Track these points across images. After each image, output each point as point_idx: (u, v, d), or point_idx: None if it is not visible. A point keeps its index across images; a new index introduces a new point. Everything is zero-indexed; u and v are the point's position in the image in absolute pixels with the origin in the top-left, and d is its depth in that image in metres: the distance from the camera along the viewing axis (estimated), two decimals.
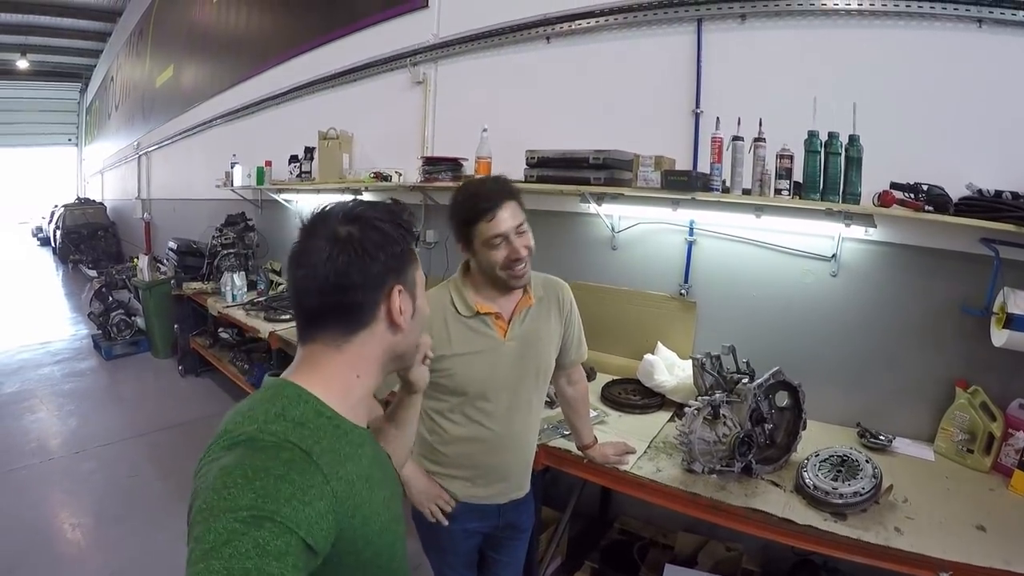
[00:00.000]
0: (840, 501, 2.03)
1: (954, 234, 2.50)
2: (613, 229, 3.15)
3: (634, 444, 2.33)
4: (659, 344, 3.00)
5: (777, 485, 2.21)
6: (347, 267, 0.98)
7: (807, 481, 2.13)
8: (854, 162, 2.38)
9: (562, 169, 2.79)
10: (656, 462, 2.32)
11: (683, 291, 3.04)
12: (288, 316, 4.15)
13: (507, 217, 1.75)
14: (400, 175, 3.73)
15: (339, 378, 1.02)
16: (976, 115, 2.49)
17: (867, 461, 2.19)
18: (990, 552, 1.86)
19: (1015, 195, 2.23)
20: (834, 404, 2.74)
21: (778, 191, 2.48)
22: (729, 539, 2.82)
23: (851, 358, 2.77)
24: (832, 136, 2.38)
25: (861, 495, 2.04)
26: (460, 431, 1.92)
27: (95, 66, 18.00)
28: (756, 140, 2.52)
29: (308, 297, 1.01)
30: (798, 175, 2.46)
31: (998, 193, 2.25)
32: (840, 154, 2.38)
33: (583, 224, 3.23)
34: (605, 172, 2.72)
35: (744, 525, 2.07)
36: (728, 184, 2.60)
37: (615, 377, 3.04)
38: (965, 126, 2.51)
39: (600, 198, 2.95)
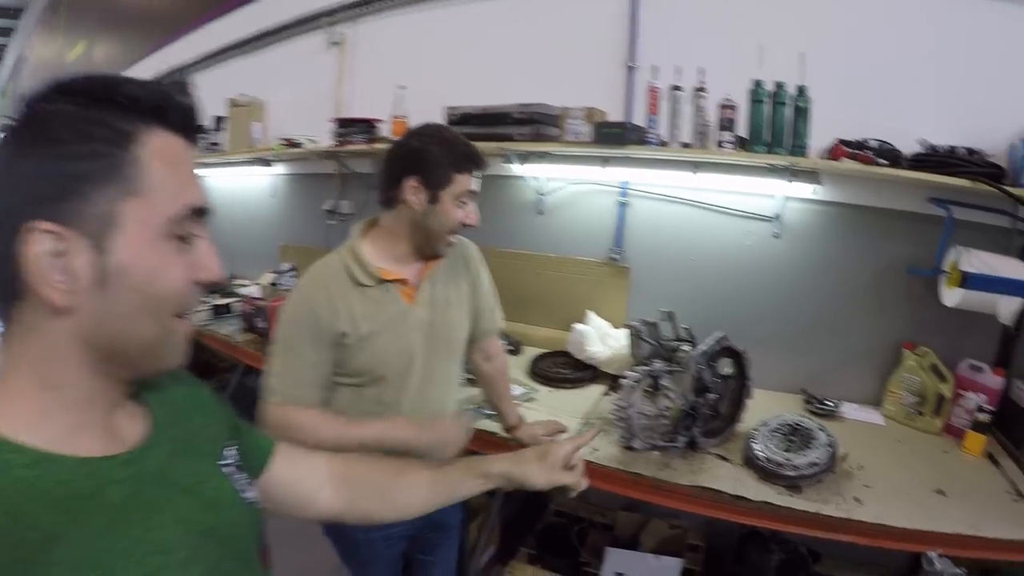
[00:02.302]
0: (795, 473, 1.80)
1: (903, 193, 2.38)
2: (539, 192, 2.84)
3: (566, 422, 2.00)
4: (590, 313, 2.71)
5: (725, 459, 1.97)
6: None
7: (758, 453, 1.90)
8: (802, 113, 2.20)
9: (484, 126, 2.46)
10: (592, 441, 2.03)
11: (615, 256, 2.74)
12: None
13: (480, 181, 1.57)
14: (314, 142, 3.34)
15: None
16: (928, 72, 2.33)
17: (821, 429, 2.01)
18: (954, 517, 1.73)
19: (970, 151, 2.11)
20: (778, 370, 2.54)
21: (720, 144, 2.24)
22: (671, 515, 2.57)
23: (795, 322, 2.59)
24: (779, 86, 2.18)
25: (818, 466, 1.82)
26: (365, 418, 1.57)
27: (5, 46, 16.69)
28: (697, 90, 2.28)
29: None
30: (742, 130, 2.25)
31: (952, 149, 2.13)
32: (787, 104, 2.18)
33: (507, 188, 2.90)
34: (530, 127, 2.41)
35: (693, 505, 1.82)
36: (665, 139, 2.34)
37: (544, 350, 2.73)
38: (917, 83, 2.34)
39: (525, 158, 2.63)
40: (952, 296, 2.22)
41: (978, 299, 2.16)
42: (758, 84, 2.22)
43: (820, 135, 2.27)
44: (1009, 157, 2.19)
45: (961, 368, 2.40)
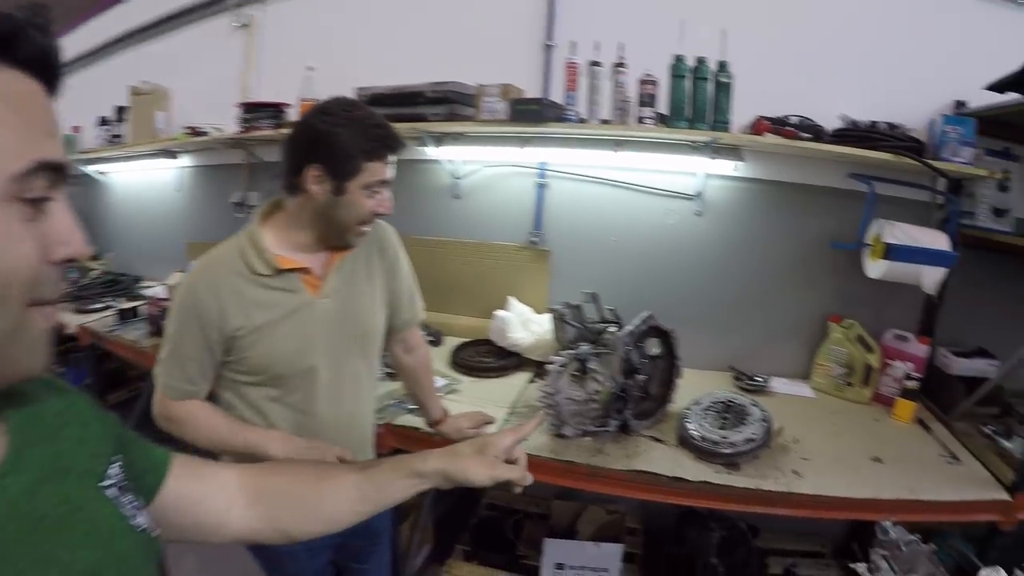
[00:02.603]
0: (731, 451, 1.78)
1: (824, 169, 2.40)
2: (455, 175, 2.70)
3: (492, 412, 1.88)
4: (511, 299, 2.60)
5: (659, 440, 1.90)
6: None
7: (693, 433, 1.85)
8: (724, 89, 2.15)
9: (396, 107, 2.30)
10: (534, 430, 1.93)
11: (534, 239, 2.64)
12: (101, 305, 3.42)
13: (395, 166, 1.39)
14: (220, 130, 3.11)
15: None
16: (849, 48, 2.35)
17: (754, 405, 1.98)
18: (893, 482, 1.76)
19: (891, 126, 2.16)
20: (705, 348, 2.51)
21: (641, 120, 2.16)
22: (607, 501, 2.49)
23: (721, 300, 2.56)
24: (701, 61, 2.12)
25: (754, 441, 1.80)
26: (278, 422, 1.42)
27: None
28: (616, 66, 2.20)
29: None
30: (663, 107, 2.19)
31: (873, 124, 2.17)
32: (709, 79, 2.13)
33: (421, 172, 2.74)
34: (445, 107, 2.28)
35: (630, 490, 1.75)
36: (584, 116, 2.25)
37: (465, 340, 2.61)
38: (838, 60, 2.36)
39: (440, 140, 2.49)
40: (876, 268, 2.23)
41: (902, 270, 2.18)
42: (679, 59, 2.16)
43: (742, 112, 2.23)
44: (929, 132, 2.22)
45: (887, 338, 2.45)
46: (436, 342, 2.55)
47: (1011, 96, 2.12)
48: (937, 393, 2.35)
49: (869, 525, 2.52)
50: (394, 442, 1.90)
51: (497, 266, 2.67)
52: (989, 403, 2.24)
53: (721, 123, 2.15)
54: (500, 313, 2.49)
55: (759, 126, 2.15)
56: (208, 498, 0.83)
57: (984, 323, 2.56)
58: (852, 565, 1.11)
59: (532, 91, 2.43)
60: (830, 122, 2.24)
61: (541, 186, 2.60)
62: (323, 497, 0.91)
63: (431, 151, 2.54)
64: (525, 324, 2.47)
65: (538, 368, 2.35)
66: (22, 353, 0.53)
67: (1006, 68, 2.08)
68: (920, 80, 2.36)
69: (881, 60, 2.34)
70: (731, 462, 1.77)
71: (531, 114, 2.13)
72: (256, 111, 2.80)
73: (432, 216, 2.77)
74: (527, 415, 2.00)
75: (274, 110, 2.78)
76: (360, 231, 1.38)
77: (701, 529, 2.27)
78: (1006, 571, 1.00)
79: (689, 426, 1.87)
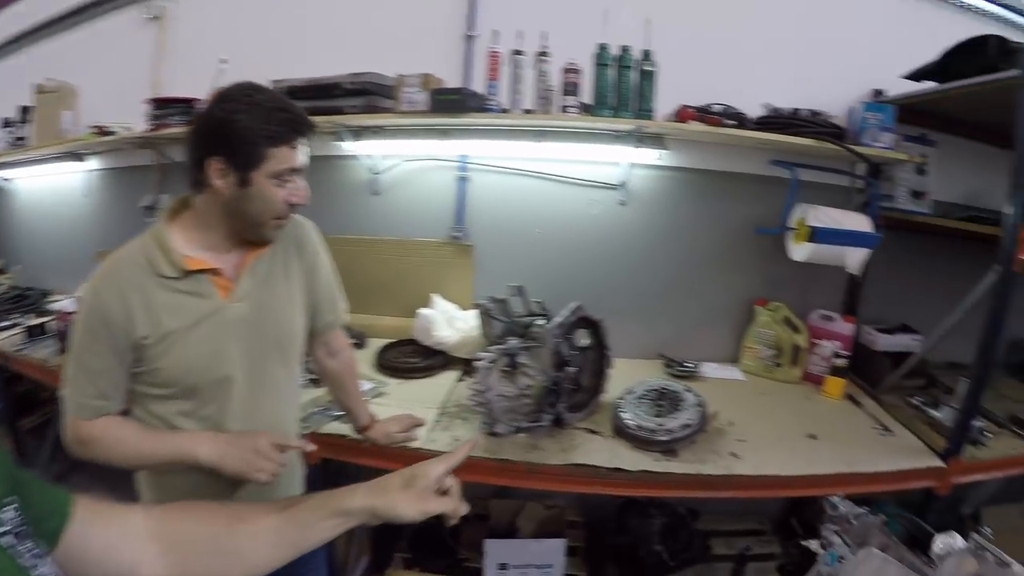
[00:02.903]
0: (668, 438, 1.77)
1: (746, 156, 2.43)
2: (373, 171, 2.55)
3: (422, 414, 1.78)
4: (435, 297, 2.51)
5: (594, 432, 1.87)
6: None
7: (628, 422, 1.82)
8: (648, 77, 2.13)
9: (313, 99, 2.18)
10: (451, 431, 1.84)
11: (457, 234, 2.55)
12: (8, 323, 3.13)
13: (307, 151, 1.26)
14: (129, 128, 2.91)
15: None
16: (770, 38, 2.39)
17: (687, 390, 1.98)
18: (831, 458, 1.79)
19: (813, 113, 2.20)
20: (635, 337, 2.49)
21: (565, 109, 2.11)
22: (545, 496, 2.47)
23: (648, 288, 2.55)
24: (625, 50, 2.09)
25: (691, 427, 1.80)
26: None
27: None
28: (539, 55, 2.14)
29: None
30: (587, 96, 2.15)
31: (795, 111, 2.21)
32: (633, 68, 2.10)
33: (339, 168, 2.61)
34: (362, 99, 2.17)
35: (568, 484, 1.71)
36: (507, 106, 2.19)
37: (390, 340, 2.47)
38: (759, 49, 2.38)
39: (359, 134, 2.38)
40: (801, 251, 2.26)
41: (826, 252, 2.22)
42: (603, 48, 2.12)
43: (665, 101, 2.20)
44: (849, 119, 2.27)
45: (813, 319, 2.50)
46: (360, 344, 2.43)
47: (928, 85, 2.21)
48: (864, 369, 2.41)
49: (807, 501, 2.59)
50: (322, 452, 1.80)
51: (419, 263, 2.57)
52: (915, 376, 2.31)
53: (645, 111, 2.12)
54: (424, 311, 2.40)
55: (683, 114, 2.14)
56: (115, 546, 0.74)
57: (905, 300, 2.63)
58: (804, 543, 1.09)
59: (453, 82, 2.35)
60: (753, 110, 2.25)
61: (463, 179, 2.52)
62: (239, 544, 0.82)
63: (349, 146, 2.42)
64: (450, 322, 2.39)
65: (466, 366, 2.26)
66: None
67: (922, 59, 2.18)
68: (839, 70, 2.41)
69: (802, 50, 2.39)
70: (669, 449, 1.75)
71: (452, 104, 2.05)
72: (166, 107, 2.61)
73: (351, 214, 2.64)
74: (457, 415, 1.93)
75: (185, 106, 2.59)
76: (275, 225, 1.27)
77: (642, 517, 2.25)
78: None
79: (624, 416, 1.84)
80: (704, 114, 2.14)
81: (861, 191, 2.50)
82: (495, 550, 2.07)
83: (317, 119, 2.08)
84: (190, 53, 3.01)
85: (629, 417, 1.83)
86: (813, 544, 1.07)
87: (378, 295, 2.58)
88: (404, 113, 2.12)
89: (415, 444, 1.72)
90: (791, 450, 1.83)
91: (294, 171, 1.23)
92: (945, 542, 0.94)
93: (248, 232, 1.27)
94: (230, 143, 1.16)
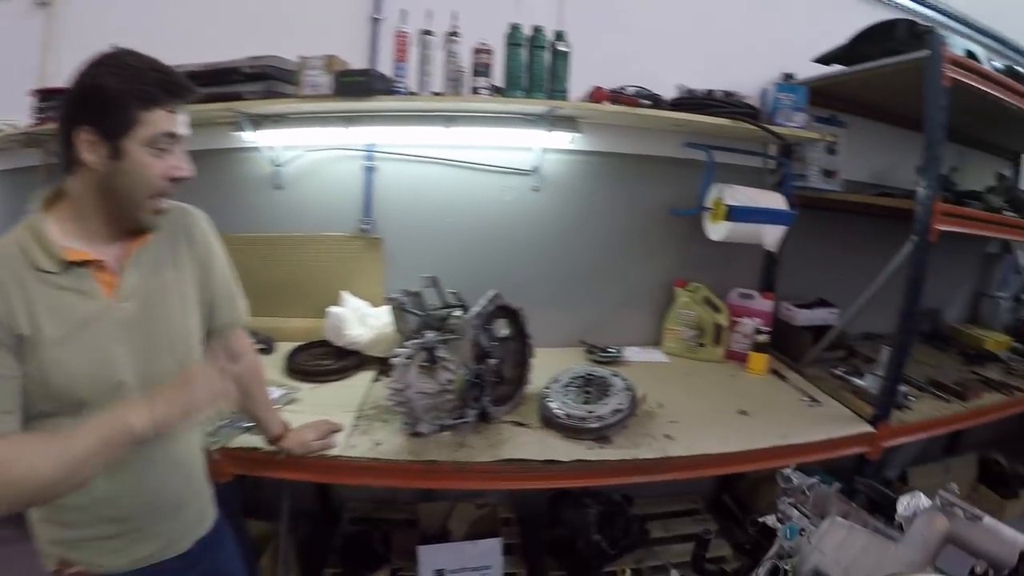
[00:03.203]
0: (599, 424, 1.70)
1: (660, 139, 2.41)
2: (275, 163, 2.33)
3: (338, 419, 1.65)
4: (345, 294, 2.33)
5: (522, 424, 1.78)
6: None
7: (556, 411, 1.74)
8: (561, 57, 2.03)
9: (210, 85, 1.96)
10: (371, 434, 1.68)
11: (365, 227, 2.38)
12: None
13: (186, 119, 1.09)
14: (13, 125, 2.60)
15: None
16: (682, 21, 2.40)
17: (615, 375, 1.91)
18: (764, 431, 1.79)
19: (727, 94, 2.18)
20: (554, 325, 2.42)
21: (476, 90, 2.01)
22: (475, 495, 2.36)
23: (566, 275, 2.50)
24: (537, 30, 2.01)
25: (622, 411, 1.74)
26: None
27: None
28: (449, 35, 2.02)
29: None
30: (499, 79, 2.04)
31: (709, 92, 2.17)
32: (546, 48, 2.01)
33: (238, 161, 2.38)
34: (262, 84, 2.00)
35: (500, 481, 1.63)
36: (415, 89, 2.07)
37: (299, 343, 2.29)
38: (670, 32, 2.39)
39: (259, 123, 2.19)
40: (718, 230, 2.25)
41: (743, 230, 2.22)
42: (515, 28, 2.02)
43: (578, 84, 2.11)
44: (761, 100, 2.26)
45: (732, 297, 2.52)
46: (267, 349, 2.23)
47: (836, 68, 2.28)
48: (785, 344, 2.44)
49: (737, 478, 2.61)
50: (234, 467, 1.61)
51: (327, 260, 2.39)
52: (834, 348, 2.36)
53: (559, 92, 2.04)
54: (334, 310, 2.23)
55: (597, 95, 2.08)
56: None
57: (819, 276, 2.70)
58: (760, 519, 1.03)
59: (359, 66, 2.20)
60: (666, 93, 2.21)
61: (369, 169, 2.36)
62: None
63: (249, 136, 2.22)
64: (362, 319, 2.23)
65: (381, 365, 2.12)
66: None
67: (827, 46, 2.25)
68: (750, 54, 2.44)
69: (713, 35, 2.42)
70: (601, 436, 1.69)
71: (358, 87, 1.90)
72: (52, 98, 2.31)
73: (252, 210, 2.41)
74: (376, 416, 1.78)
75: None
76: (156, 206, 1.09)
77: (577, 508, 2.19)
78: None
79: (551, 405, 1.77)
80: (619, 95, 2.09)
81: (773, 171, 2.54)
82: (429, 556, 1.96)
83: (215, 106, 1.95)
84: (82, 40, 2.69)
85: (557, 406, 1.76)
86: (770, 520, 1.01)
87: (284, 296, 2.37)
88: (306, 98, 1.95)
89: (334, 452, 1.58)
90: (724, 427, 1.81)
91: (172, 139, 1.06)
92: (910, 503, 0.91)
93: (126, 216, 1.09)
94: (99, 108, 1.00)
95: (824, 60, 2.35)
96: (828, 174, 2.53)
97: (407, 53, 2.03)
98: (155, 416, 1.01)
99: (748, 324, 2.37)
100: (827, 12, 2.50)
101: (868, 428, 1.88)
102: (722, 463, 1.71)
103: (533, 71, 2.01)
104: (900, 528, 0.91)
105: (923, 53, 1.79)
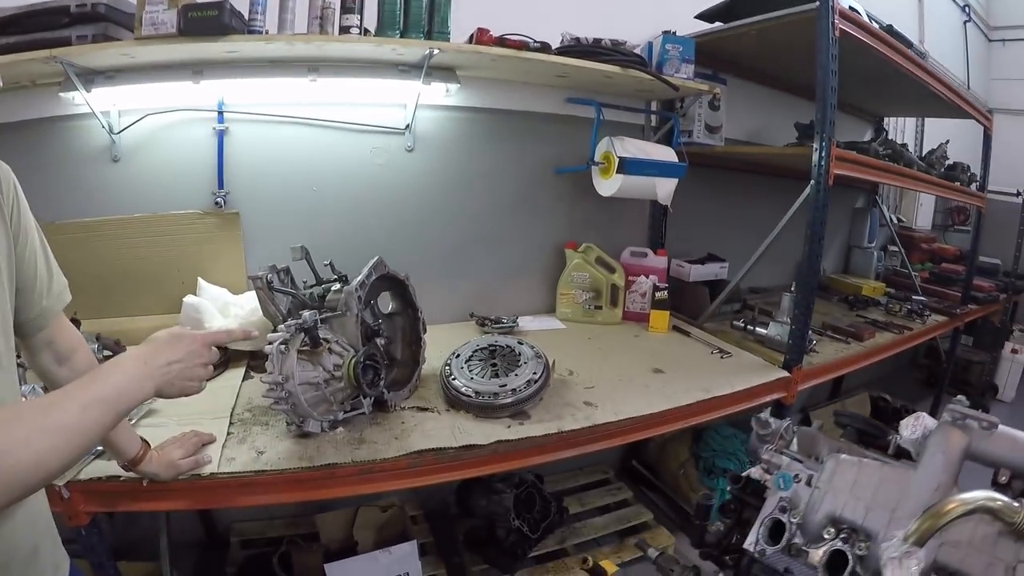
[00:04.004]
0: (514, 399, 1.50)
1: (541, 95, 2.29)
2: (111, 129, 1.86)
3: (209, 429, 1.36)
4: (201, 281, 1.95)
5: (425, 409, 1.55)
6: None
7: (464, 389, 1.53)
8: None
9: (29, 32, 1.57)
10: (251, 441, 1.37)
11: (219, 201, 1.99)
12: None
13: None
14: None
15: None
16: None
17: (520, 343, 1.74)
18: (685, 387, 1.72)
19: (614, 42, 2.06)
20: (440, 299, 2.22)
21: (345, 29, 1.71)
22: (373, 496, 2.08)
23: (449, 245, 2.28)
24: None
25: (536, 381, 1.55)
26: None
27: None
28: None
29: None
30: (372, 22, 1.77)
31: (597, 40, 2.04)
32: None
33: (65, 132, 1.87)
34: (95, 27, 1.59)
35: (414, 478, 1.36)
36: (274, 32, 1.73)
37: None
38: None
39: (90, 80, 1.74)
40: (609, 185, 2.14)
41: (637, 184, 2.13)
42: None
43: (457, 32, 1.88)
44: (647, 53, 2.17)
45: (625, 257, 2.45)
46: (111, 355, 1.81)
47: (716, 25, 2.27)
48: (679, 301, 2.40)
49: (643, 442, 2.52)
50: (89, 505, 1.23)
51: (176, 242, 1.97)
52: (729, 302, 2.35)
53: (441, 34, 1.80)
54: (190, 299, 1.86)
55: (481, 38, 1.85)
56: None
57: (705, 231, 2.66)
58: (745, 473, 0.89)
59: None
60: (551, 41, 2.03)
61: (221, 133, 1.98)
62: None
63: (78, 97, 1.74)
64: (224, 309, 1.87)
65: (251, 359, 1.82)
66: None
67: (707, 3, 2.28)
68: (631, 11, 2.38)
69: None
70: (518, 411, 1.51)
71: (208, 24, 1.54)
72: None
73: (82, 191, 1.92)
74: (255, 420, 1.47)
75: None
76: None
77: (490, 494, 2.00)
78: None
79: (457, 383, 1.56)
80: (506, 39, 1.87)
81: (656, 128, 2.47)
82: (339, 573, 1.67)
83: (37, 54, 1.52)
84: None
85: (463, 384, 1.55)
86: (755, 472, 0.87)
87: (129, 291, 1.92)
88: (147, 38, 1.56)
89: (208, 469, 1.25)
90: (644, 388, 1.71)
91: None
92: (915, 424, 0.79)
93: None
94: None
95: (706, 17, 2.32)
96: (712, 129, 2.49)
97: None
98: (153, 371, 0.84)
99: (645, 282, 2.29)
100: None
101: (784, 373, 1.89)
102: (651, 424, 1.60)
103: (410, 8, 1.76)
104: (901, 456, 0.81)
105: (813, 4, 1.81)
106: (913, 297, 2.92)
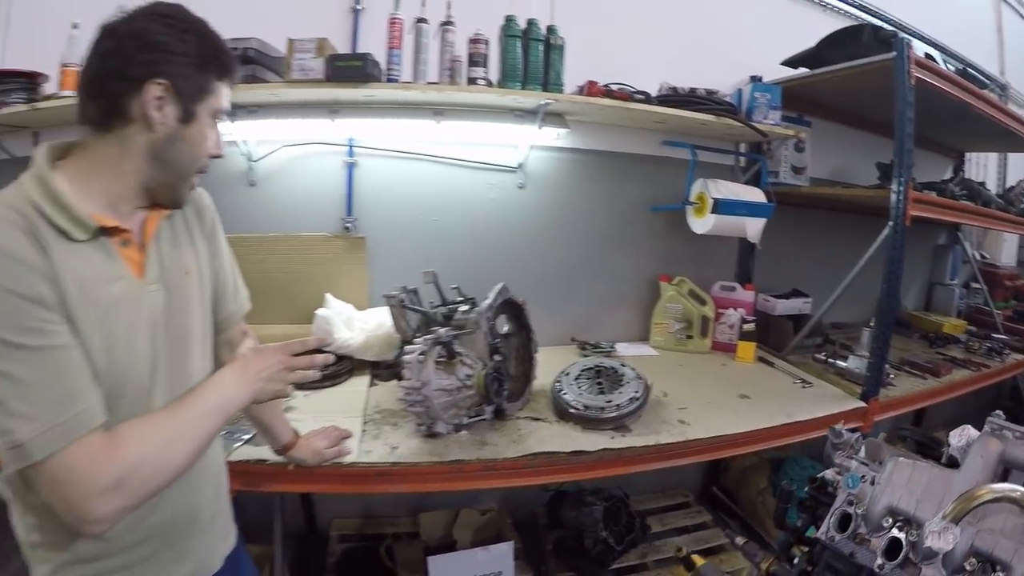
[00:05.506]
0: (617, 413, 1.63)
1: (639, 137, 2.40)
2: (250, 158, 2.09)
3: (345, 425, 1.46)
4: (329, 297, 2.12)
5: (538, 419, 1.68)
6: None
7: (573, 403, 1.66)
8: (557, 51, 2.00)
9: None
10: (384, 438, 1.52)
11: (348, 226, 2.18)
12: None
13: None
14: None
15: None
16: (665, 23, 2.42)
17: (624, 365, 1.86)
18: (769, 412, 1.80)
19: (708, 92, 2.17)
20: (545, 323, 2.22)
21: (472, 80, 1.89)
22: (472, 501, 2.24)
23: (553, 273, 2.42)
24: (531, 23, 1.95)
25: (638, 399, 1.68)
26: None
27: None
28: (444, 24, 1.90)
29: None
30: (494, 71, 1.96)
31: (692, 90, 2.16)
32: (541, 41, 1.96)
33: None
34: (245, 68, 1.77)
35: (528, 476, 1.50)
36: (409, 79, 1.92)
37: None
38: (655, 33, 2.41)
39: (233, 112, 1.93)
40: (703, 224, 2.24)
41: (728, 223, 2.22)
42: (510, 20, 1.94)
43: (567, 80, 2.05)
44: (736, 99, 2.26)
45: (714, 290, 2.50)
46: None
47: (802, 71, 2.36)
48: (765, 333, 2.43)
49: (724, 469, 2.56)
50: (235, 483, 1.29)
51: (308, 261, 2.16)
52: (811, 335, 2.39)
53: (555, 86, 1.98)
54: (322, 312, 2.02)
55: (591, 89, 2.02)
56: None
57: (790, 267, 2.71)
58: (820, 475, 1.00)
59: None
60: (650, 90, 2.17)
61: (351, 165, 2.18)
62: None
63: (222, 128, 1.96)
64: (348, 323, 2.03)
65: (373, 369, 1.98)
66: None
67: (789, 52, 2.37)
68: (720, 58, 2.46)
69: (685, 40, 2.45)
70: (620, 425, 1.63)
71: (354, 72, 1.74)
72: (2, 82, 1.92)
73: (225, 209, 2.08)
74: (385, 420, 1.63)
75: (27, 80, 1.95)
76: (193, 184, 0.96)
77: (580, 506, 2.10)
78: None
79: (567, 397, 1.69)
80: (612, 90, 2.02)
81: (745, 169, 2.55)
82: (440, 567, 1.79)
83: None
84: (30, 17, 2.36)
85: (572, 398, 1.68)
86: (828, 474, 0.99)
87: (264, 301, 2.05)
88: (296, 82, 1.76)
89: (349, 459, 1.40)
90: (731, 411, 1.81)
91: (221, 116, 0.95)
92: (961, 435, 0.91)
93: (164, 188, 0.91)
94: (179, 66, 0.84)
95: (790, 63, 2.40)
96: (797, 170, 2.56)
97: (401, 41, 1.88)
98: (249, 382, 0.95)
99: (733, 315, 2.36)
100: (789, 23, 2.62)
101: (860, 404, 1.96)
102: (738, 442, 1.70)
103: (529, 64, 1.94)
104: (952, 465, 0.92)
105: (890, 55, 1.88)
106: (993, 335, 2.88)
